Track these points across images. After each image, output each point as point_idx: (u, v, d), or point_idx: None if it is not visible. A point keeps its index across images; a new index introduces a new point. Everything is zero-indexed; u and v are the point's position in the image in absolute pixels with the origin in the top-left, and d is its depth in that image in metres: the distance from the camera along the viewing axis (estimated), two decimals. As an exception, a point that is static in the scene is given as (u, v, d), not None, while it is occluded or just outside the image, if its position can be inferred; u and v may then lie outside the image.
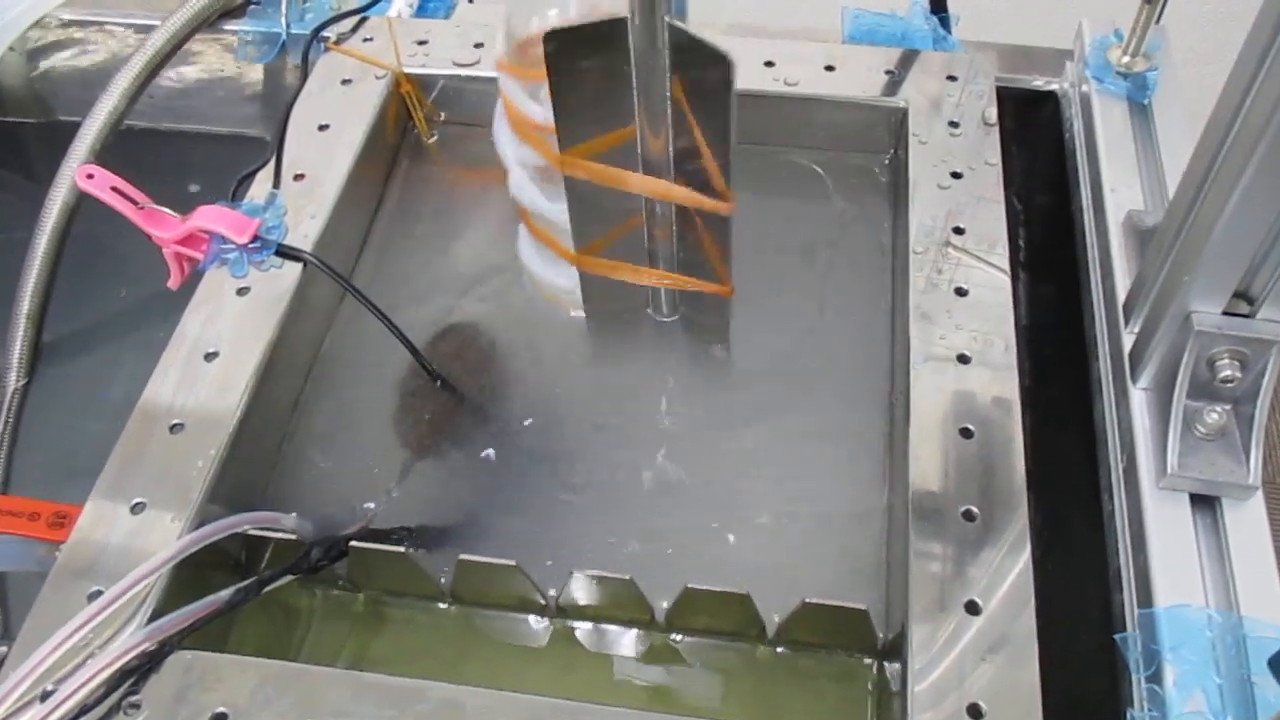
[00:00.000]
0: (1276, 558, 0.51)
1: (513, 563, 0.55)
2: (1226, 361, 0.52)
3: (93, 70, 0.89)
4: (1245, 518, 0.53)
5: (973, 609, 0.52)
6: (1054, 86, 0.80)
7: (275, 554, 0.60)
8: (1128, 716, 0.49)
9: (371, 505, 0.63)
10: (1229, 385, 0.53)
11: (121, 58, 0.77)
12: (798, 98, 0.76)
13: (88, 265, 0.76)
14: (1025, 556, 0.53)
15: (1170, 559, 0.52)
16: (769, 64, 0.77)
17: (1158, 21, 0.72)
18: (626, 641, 0.60)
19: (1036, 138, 0.79)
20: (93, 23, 0.88)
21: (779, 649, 0.59)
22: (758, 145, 0.78)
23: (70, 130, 0.71)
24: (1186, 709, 0.47)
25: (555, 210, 0.64)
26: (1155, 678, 0.49)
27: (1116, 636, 0.52)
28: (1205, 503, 0.54)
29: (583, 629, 0.60)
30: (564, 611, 0.60)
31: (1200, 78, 0.80)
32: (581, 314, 0.71)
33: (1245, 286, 0.52)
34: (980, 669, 0.50)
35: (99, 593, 0.52)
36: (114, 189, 0.66)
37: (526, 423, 0.66)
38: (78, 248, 0.72)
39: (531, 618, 0.60)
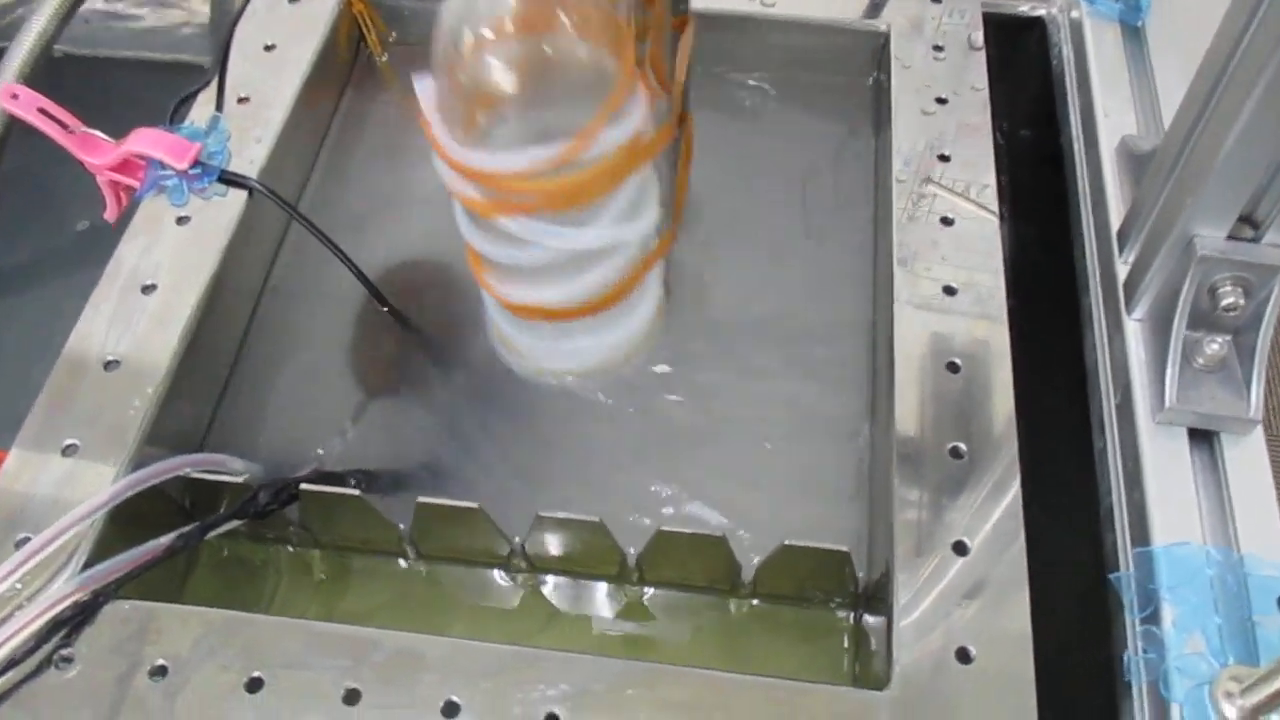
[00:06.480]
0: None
1: (475, 505, 0.52)
2: (1229, 289, 0.50)
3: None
4: (1245, 453, 0.51)
5: (960, 549, 0.50)
6: (1041, 12, 0.76)
7: (226, 501, 0.56)
8: (1123, 659, 0.47)
9: (323, 450, 0.59)
10: (1231, 314, 0.50)
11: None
12: (777, 20, 0.72)
13: (19, 202, 0.72)
14: (1014, 494, 0.51)
15: (1167, 496, 0.50)
16: (747, -16, 0.73)
17: (1151, -60, 0.69)
18: (598, 598, 0.57)
19: (1021, 66, 0.75)
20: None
21: (754, 601, 0.56)
22: (734, 69, 0.75)
23: (-5, 52, 0.66)
24: (1186, 650, 0.45)
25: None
26: (1152, 618, 0.47)
27: (1111, 576, 0.49)
28: (1203, 437, 0.52)
29: (552, 585, 0.57)
30: (531, 562, 0.56)
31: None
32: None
33: (1250, 210, 0.50)
34: (968, 611, 0.48)
35: (27, 540, 0.49)
36: (41, 110, 0.61)
37: (484, 357, 0.62)
38: (7, 183, 0.67)
39: (498, 573, 0.58)
